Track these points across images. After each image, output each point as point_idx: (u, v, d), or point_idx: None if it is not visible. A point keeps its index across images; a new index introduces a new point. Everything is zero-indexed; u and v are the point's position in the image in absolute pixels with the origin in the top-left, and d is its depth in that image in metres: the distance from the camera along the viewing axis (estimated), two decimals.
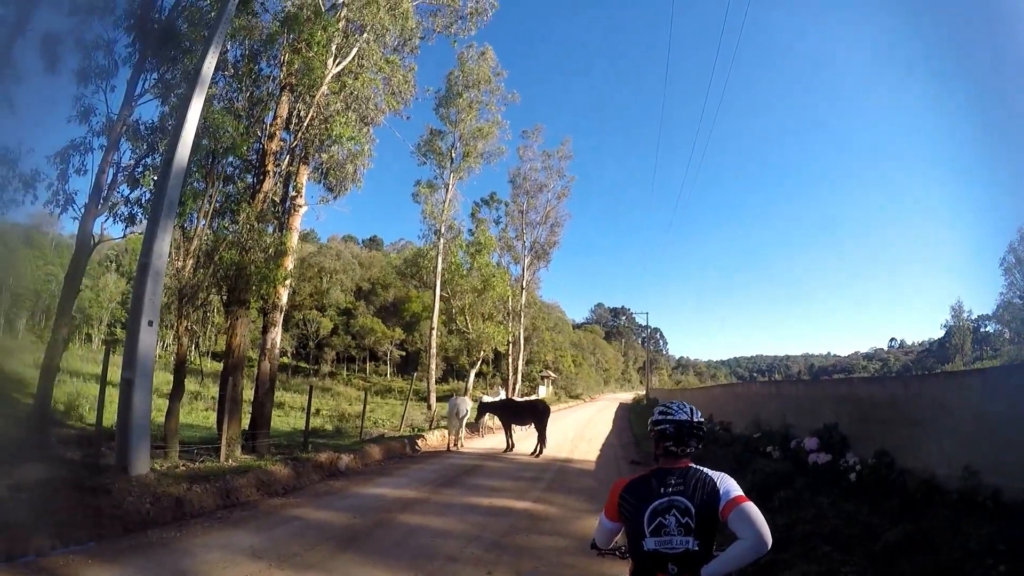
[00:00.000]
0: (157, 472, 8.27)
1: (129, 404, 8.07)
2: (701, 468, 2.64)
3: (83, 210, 10.04)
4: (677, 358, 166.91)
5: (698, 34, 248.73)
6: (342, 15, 14.49)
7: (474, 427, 20.72)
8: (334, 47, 14.04)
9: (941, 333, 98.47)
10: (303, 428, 14.97)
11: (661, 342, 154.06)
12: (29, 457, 8.07)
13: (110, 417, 9.21)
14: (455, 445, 16.92)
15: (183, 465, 9.45)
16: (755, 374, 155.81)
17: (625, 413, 38.44)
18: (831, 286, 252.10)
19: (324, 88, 13.50)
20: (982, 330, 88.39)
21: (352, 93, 14.57)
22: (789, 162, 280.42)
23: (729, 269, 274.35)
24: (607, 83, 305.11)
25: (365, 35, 14.88)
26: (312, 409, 16.01)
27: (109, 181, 10.28)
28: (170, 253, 10.09)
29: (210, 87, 10.36)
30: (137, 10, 10.68)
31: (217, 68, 11.78)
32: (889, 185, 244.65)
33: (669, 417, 2.70)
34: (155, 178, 9.96)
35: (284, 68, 13.37)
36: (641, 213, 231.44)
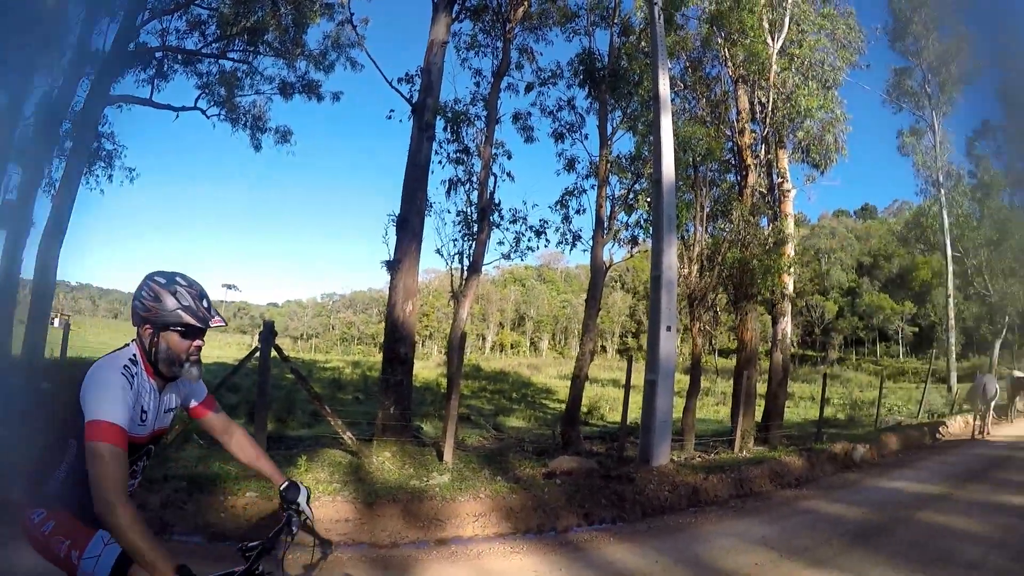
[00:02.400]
0: (675, 463, 9.00)
1: (652, 403, 8.98)
2: None
3: (591, 241, 11.85)
4: None
5: None
6: None
7: (1001, 411, 17.39)
8: (766, 24, 13.62)
9: None
10: (813, 418, 14.60)
11: None
12: (562, 450, 9.78)
13: (628, 415, 10.44)
14: (981, 432, 14.61)
15: (698, 457, 10.08)
16: None
17: None
18: None
19: (774, 67, 13.21)
20: None
21: (803, 62, 13.96)
22: None
23: None
24: None
25: None
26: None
27: (608, 213, 11.91)
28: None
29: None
30: (581, 66, 12.33)
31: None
32: None
33: None
34: (648, 199, 11.10)
35: (729, 63, 13.48)
36: None
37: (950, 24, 26.08)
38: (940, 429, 14.97)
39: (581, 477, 7.59)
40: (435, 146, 11.14)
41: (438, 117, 10.89)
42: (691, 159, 11.59)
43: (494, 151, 11.59)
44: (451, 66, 12.49)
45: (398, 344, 9.80)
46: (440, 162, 11.71)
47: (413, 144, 10.46)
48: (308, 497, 2.48)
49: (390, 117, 11.77)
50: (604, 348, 51.24)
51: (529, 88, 12.99)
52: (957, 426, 15.95)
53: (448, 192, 11.76)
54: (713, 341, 44.71)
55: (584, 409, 15.82)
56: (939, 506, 7.83)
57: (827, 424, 16.12)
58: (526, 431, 14.32)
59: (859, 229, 75.43)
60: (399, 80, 11.57)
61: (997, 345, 27.15)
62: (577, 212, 12.74)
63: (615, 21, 12.64)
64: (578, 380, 11.97)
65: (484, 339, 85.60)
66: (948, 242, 25.83)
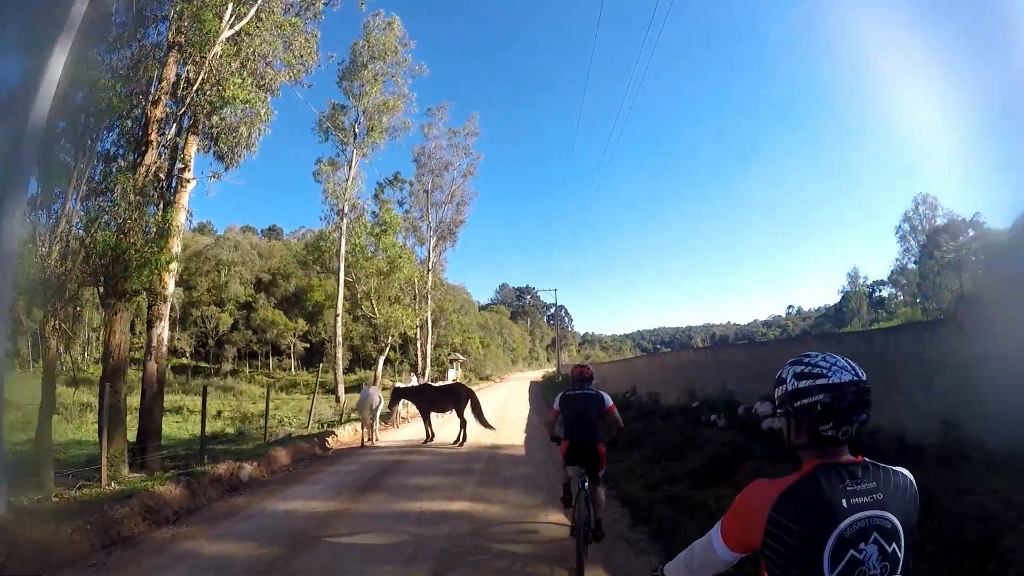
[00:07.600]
0: (19, 511, 6.66)
1: None
2: (881, 463, 1.65)
3: None
4: (582, 334, 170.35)
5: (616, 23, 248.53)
6: None
7: (387, 418, 19.56)
8: (231, 4, 12.42)
9: (838, 299, 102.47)
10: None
11: (567, 319, 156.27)
12: None
13: None
14: (370, 440, 15.63)
15: (57, 496, 7.73)
16: (659, 346, 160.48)
17: (538, 391, 38.67)
18: (732, 259, 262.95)
19: (217, 48, 11.93)
20: (876, 294, 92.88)
21: (249, 54, 13.20)
22: (692, 135, 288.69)
23: (629, 243, 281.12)
24: (519, 53, 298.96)
25: None
26: (212, 411, 14.45)
27: None
28: (33, 238, 8.49)
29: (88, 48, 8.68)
30: None
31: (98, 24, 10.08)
32: (786, 162, 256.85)
33: (821, 381, 1.59)
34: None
35: (172, 24, 11.73)
36: (545, 191, 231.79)
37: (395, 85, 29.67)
38: (329, 439, 15.32)
39: None
40: None
41: None
42: (86, 118, 9.32)
43: None
44: None
45: None
46: None
47: None
48: None
49: None
50: None
51: None
52: (347, 435, 16.56)
53: None
54: (75, 343, 39.04)
55: None
56: (340, 523, 7.50)
57: (216, 440, 15.24)
58: None
59: (263, 247, 78.25)
60: None
61: (381, 361, 30.88)
62: None
63: None
64: None
65: None
66: (343, 267, 28.16)
